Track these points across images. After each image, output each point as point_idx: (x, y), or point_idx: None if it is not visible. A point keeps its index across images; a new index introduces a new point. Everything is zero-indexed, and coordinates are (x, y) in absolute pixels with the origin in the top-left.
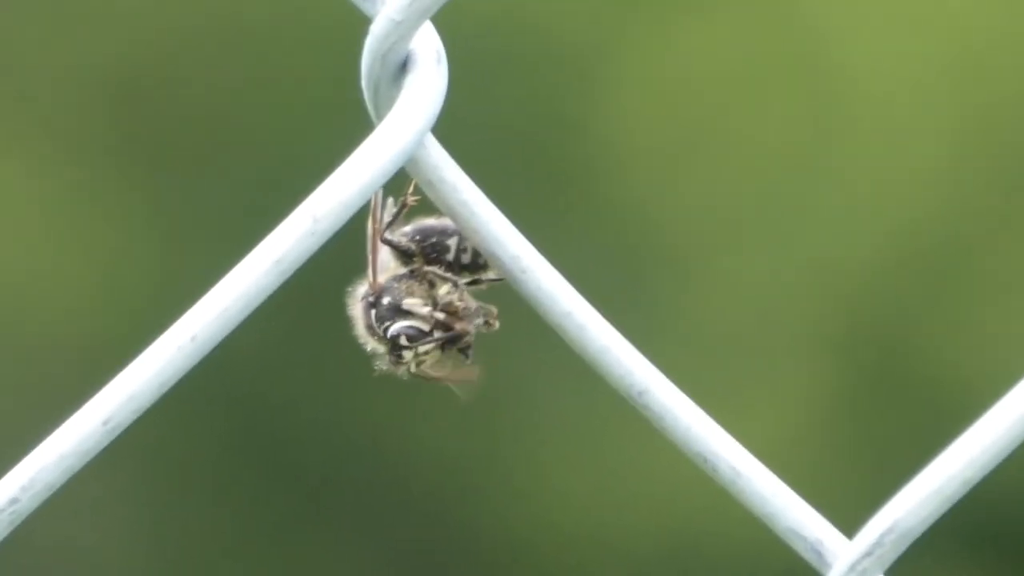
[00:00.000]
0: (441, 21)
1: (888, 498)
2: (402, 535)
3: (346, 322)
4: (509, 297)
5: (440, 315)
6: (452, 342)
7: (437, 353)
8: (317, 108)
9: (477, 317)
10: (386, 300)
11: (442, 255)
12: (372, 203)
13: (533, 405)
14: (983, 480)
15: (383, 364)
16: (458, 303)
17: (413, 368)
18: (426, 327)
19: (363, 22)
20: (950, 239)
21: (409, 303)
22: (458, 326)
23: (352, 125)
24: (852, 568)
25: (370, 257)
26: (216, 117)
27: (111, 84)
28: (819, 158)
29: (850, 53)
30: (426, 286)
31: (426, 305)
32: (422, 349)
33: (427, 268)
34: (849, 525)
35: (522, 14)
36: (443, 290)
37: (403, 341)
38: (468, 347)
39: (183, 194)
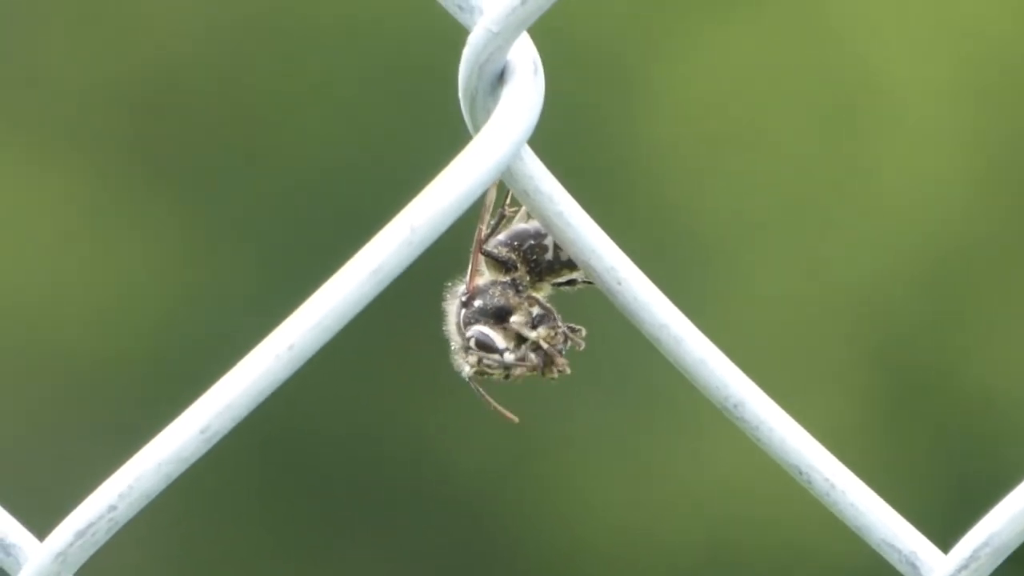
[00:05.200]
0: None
1: (969, 514)
2: (435, 547)
3: (383, 332)
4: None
5: (524, 348)
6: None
7: (501, 371)
8: (343, 113)
9: (560, 355)
10: (477, 303)
11: (541, 256)
12: (484, 202)
13: (568, 418)
14: None
15: (458, 362)
16: (550, 342)
17: (471, 372)
18: (502, 344)
19: (388, 23)
20: (979, 247)
21: (508, 323)
22: (534, 359)
23: (379, 128)
24: None
25: (472, 259)
26: (239, 125)
27: (135, 94)
28: (844, 167)
29: (876, 63)
30: (524, 302)
31: (523, 329)
32: (487, 361)
33: (532, 293)
34: None
35: (560, 22)
36: (542, 329)
37: (472, 344)
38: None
39: (207, 204)
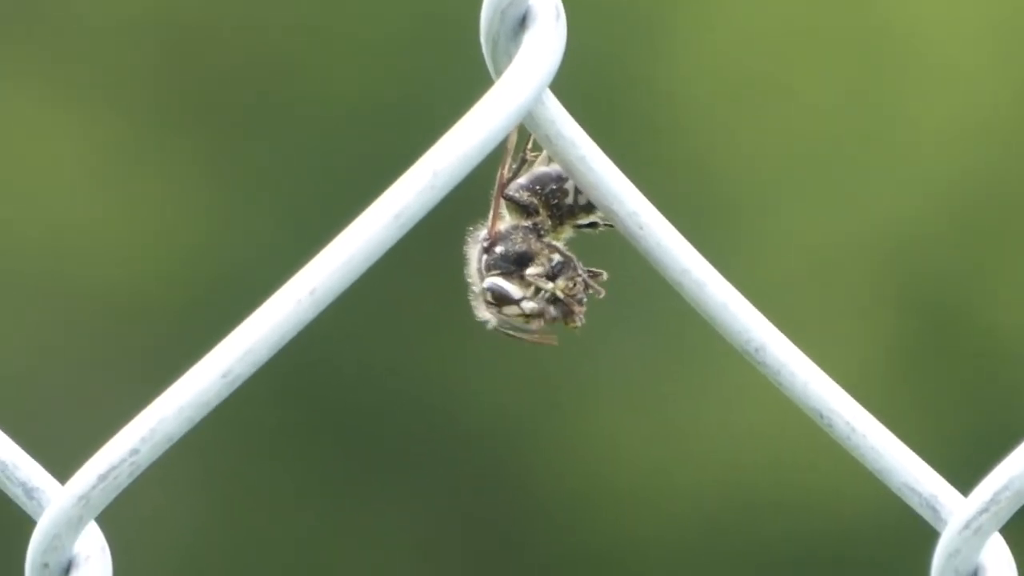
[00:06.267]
0: None
1: (990, 455)
2: (456, 486)
3: (408, 270)
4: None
5: (542, 298)
6: (540, 316)
7: (521, 319)
8: (370, 60)
9: (580, 304)
10: (499, 249)
11: (562, 199)
12: (506, 147)
13: (590, 359)
14: None
15: (479, 310)
16: (569, 292)
17: (494, 324)
18: (518, 294)
19: None
20: (1008, 190)
21: (527, 273)
22: (552, 311)
23: (404, 72)
24: (967, 525)
25: (493, 203)
26: (265, 69)
27: (161, 36)
28: (873, 111)
29: (905, 7)
30: (545, 248)
31: (540, 281)
32: (505, 311)
33: (551, 241)
34: None
35: None
36: (561, 280)
37: (488, 297)
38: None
39: (233, 146)
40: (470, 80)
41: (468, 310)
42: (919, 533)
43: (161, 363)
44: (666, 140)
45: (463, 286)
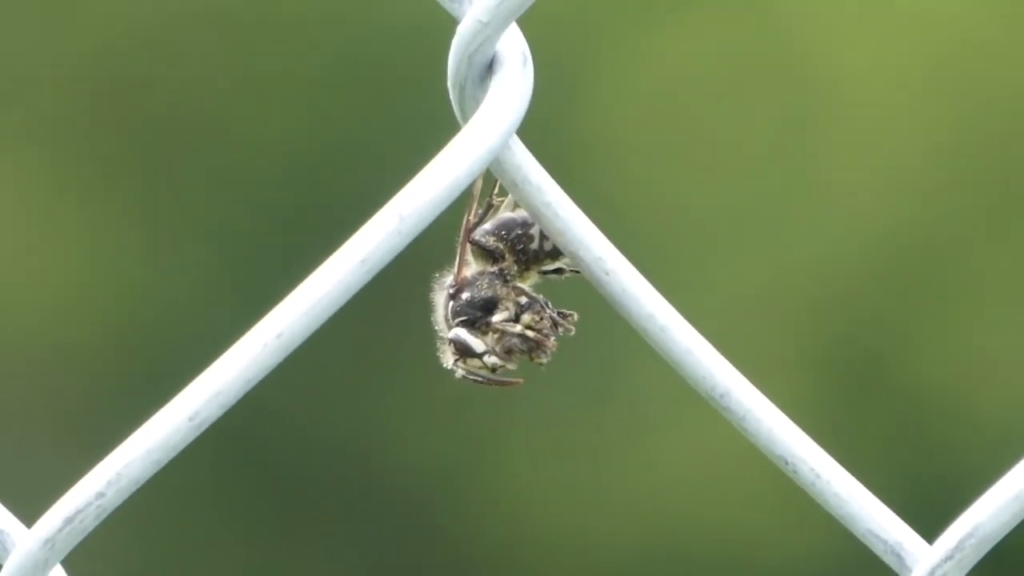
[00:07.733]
0: (424, 17)
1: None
2: (380, 538)
3: (337, 325)
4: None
5: (507, 341)
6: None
7: (486, 370)
8: (297, 104)
9: (547, 340)
10: (465, 295)
11: (527, 245)
12: (472, 192)
13: (513, 411)
14: None
15: (447, 358)
16: (535, 327)
17: (461, 375)
18: (480, 348)
19: (346, 16)
20: (930, 245)
21: (493, 320)
22: (520, 345)
23: (334, 124)
24: (932, 572)
25: (459, 249)
26: (195, 116)
27: (90, 82)
28: (796, 163)
29: (828, 58)
30: (512, 292)
31: (506, 326)
32: (470, 363)
33: (517, 284)
34: (839, 532)
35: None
36: (527, 315)
37: (453, 350)
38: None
39: (163, 193)
40: (400, 124)
41: (397, 363)
42: None
43: (92, 409)
44: (587, 189)
45: (391, 341)
